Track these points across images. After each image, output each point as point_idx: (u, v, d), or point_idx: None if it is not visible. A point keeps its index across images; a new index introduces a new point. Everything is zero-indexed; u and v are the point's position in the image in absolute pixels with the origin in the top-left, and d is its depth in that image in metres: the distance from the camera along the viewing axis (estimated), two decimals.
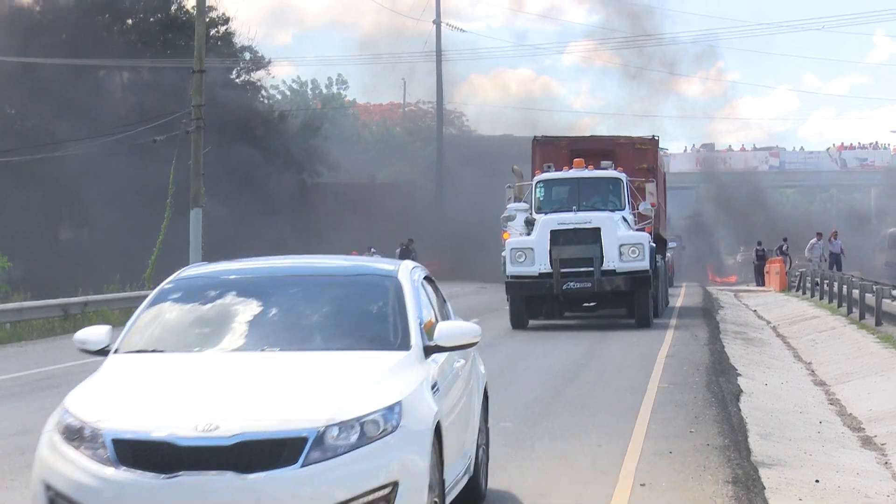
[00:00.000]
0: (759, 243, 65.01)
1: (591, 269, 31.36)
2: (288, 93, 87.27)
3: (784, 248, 61.58)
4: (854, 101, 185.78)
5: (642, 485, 12.00)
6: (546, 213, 33.03)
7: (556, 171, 34.42)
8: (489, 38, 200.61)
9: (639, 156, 37.16)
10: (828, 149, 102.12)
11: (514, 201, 35.15)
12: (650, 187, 34.36)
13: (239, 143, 60.54)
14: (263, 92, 72.01)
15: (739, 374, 22.41)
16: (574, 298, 32.69)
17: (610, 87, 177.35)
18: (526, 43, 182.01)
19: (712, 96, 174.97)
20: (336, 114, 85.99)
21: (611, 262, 31.30)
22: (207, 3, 49.47)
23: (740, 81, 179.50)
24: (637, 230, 32.82)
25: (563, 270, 31.41)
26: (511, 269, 32.00)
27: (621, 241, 31.43)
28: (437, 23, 71.20)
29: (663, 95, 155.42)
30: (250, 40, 69.71)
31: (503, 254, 32.88)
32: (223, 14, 66.84)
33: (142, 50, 61.22)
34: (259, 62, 69.86)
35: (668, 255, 48.79)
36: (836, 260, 56.48)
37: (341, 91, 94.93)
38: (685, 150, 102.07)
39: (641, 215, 33.84)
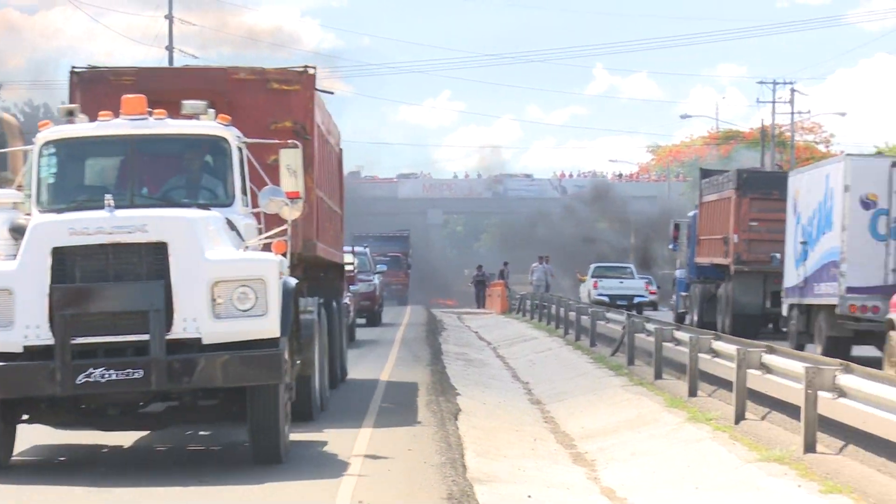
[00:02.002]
0: (480, 267, 66.22)
1: (143, 336, 13.79)
2: (21, 116, 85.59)
3: (505, 272, 62.72)
4: (573, 131, 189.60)
5: (360, 502, 12.02)
6: (56, 211, 15.17)
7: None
8: (220, 64, 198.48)
9: (276, 104, 20.78)
10: (549, 177, 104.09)
11: None
12: (290, 158, 16.35)
13: None
14: None
15: (459, 394, 22.59)
16: (106, 404, 14.60)
17: (336, 112, 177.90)
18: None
19: (440, 125, 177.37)
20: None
21: (187, 321, 13.93)
22: None
23: (466, 111, 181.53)
24: (254, 248, 15.91)
25: (80, 342, 13.70)
26: None
27: (214, 273, 14.18)
28: (170, 48, 70.94)
29: (390, 123, 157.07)
30: None
31: None
32: None
33: None
34: None
35: (373, 282, 45.85)
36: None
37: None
38: (420, 174, 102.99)
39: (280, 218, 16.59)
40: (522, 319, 49.44)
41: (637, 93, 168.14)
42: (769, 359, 17.10)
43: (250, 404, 14.06)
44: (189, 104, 15.75)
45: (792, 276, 31.02)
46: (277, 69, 21.03)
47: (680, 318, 41.16)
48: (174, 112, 15.72)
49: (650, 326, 25.48)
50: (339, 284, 25.15)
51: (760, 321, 35.59)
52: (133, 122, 15.37)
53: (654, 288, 58.37)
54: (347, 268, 29.46)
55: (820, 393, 14.23)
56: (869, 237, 26.76)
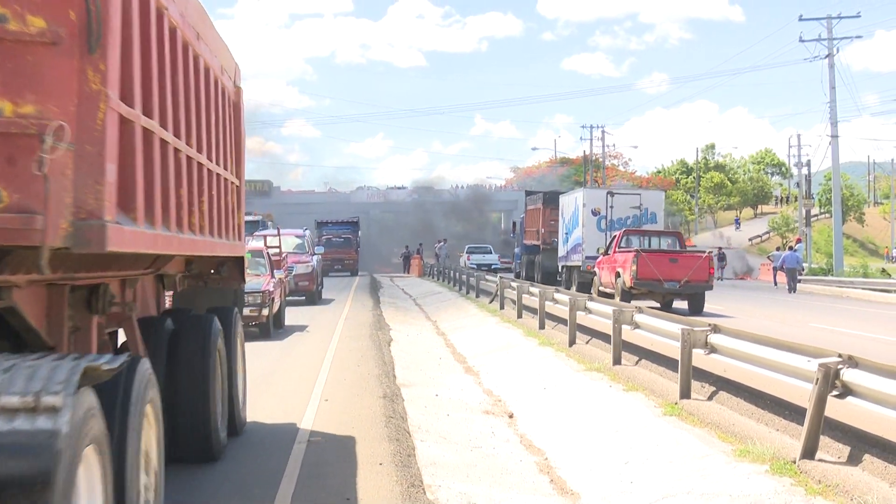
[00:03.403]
0: (406, 247, 66.23)
1: None
2: None
3: (419, 249, 63.04)
4: (463, 158, 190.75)
5: (326, 400, 11.92)
6: None
7: None
8: None
9: None
10: (448, 188, 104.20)
11: None
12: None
13: None
14: None
15: (391, 329, 22.54)
16: None
17: (310, 150, 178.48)
18: (259, 120, 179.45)
19: (377, 155, 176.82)
20: None
21: None
22: None
23: (394, 146, 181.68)
24: None
25: None
26: None
27: None
28: None
29: (344, 154, 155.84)
30: None
31: None
32: None
33: None
34: None
35: (311, 263, 31.60)
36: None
37: None
38: (358, 189, 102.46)
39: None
40: (432, 281, 49.42)
41: (503, 133, 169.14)
42: (590, 304, 17.17)
43: None
44: None
45: (562, 252, 36.84)
46: None
47: (517, 276, 44.40)
48: None
49: (514, 284, 25.50)
50: (236, 287, 10.83)
51: (554, 276, 38.35)
52: None
53: (506, 259, 62.40)
54: (272, 251, 23.80)
55: (623, 326, 14.32)
56: (595, 230, 32.93)
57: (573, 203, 35.22)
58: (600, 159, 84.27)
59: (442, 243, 62.73)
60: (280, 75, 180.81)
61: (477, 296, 32.52)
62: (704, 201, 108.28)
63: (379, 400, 11.88)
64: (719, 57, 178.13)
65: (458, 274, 41.18)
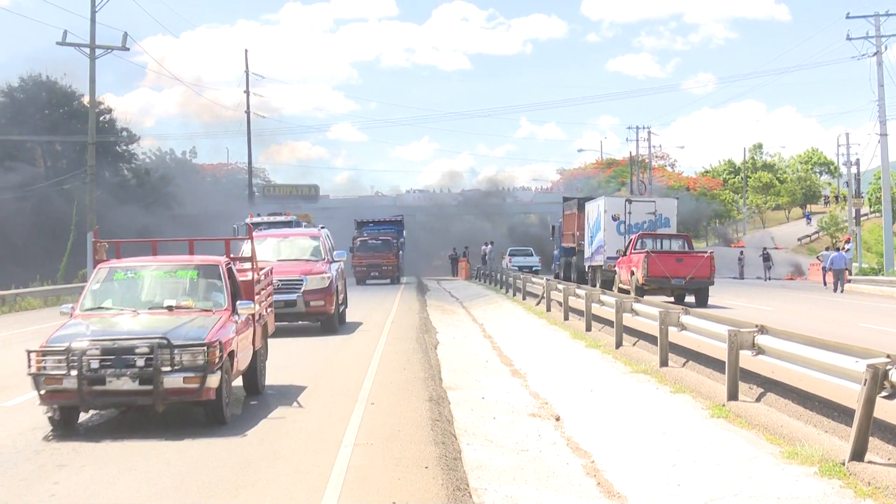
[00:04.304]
0: (454, 249, 65.95)
1: None
2: (154, 158, 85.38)
3: (465, 252, 62.94)
4: (509, 161, 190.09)
5: (372, 403, 11.93)
6: None
7: None
8: (281, 122, 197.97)
9: None
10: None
11: None
12: None
13: (120, 191, 61.34)
14: (136, 157, 71.57)
15: (438, 332, 22.53)
16: None
17: (359, 153, 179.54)
18: (305, 125, 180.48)
19: (423, 158, 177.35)
20: (184, 170, 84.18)
21: None
22: (97, 100, 50.12)
23: (439, 149, 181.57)
24: None
25: None
26: None
27: None
28: (248, 112, 71.22)
29: (390, 158, 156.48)
30: (127, 123, 69.33)
31: None
32: (108, 106, 66.38)
33: (52, 130, 60.52)
34: (132, 138, 69.40)
35: (328, 274, 21.47)
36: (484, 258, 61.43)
37: (191, 158, 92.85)
38: (405, 192, 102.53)
39: None
40: (479, 283, 49.39)
41: (549, 135, 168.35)
42: (637, 306, 17.05)
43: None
44: None
45: (587, 253, 39.87)
46: None
47: (557, 276, 45.20)
48: None
49: (560, 286, 25.42)
50: None
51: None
52: None
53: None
54: (244, 268, 13.52)
55: (670, 328, 14.21)
56: (616, 234, 35.95)
57: (596, 209, 38.61)
58: (647, 160, 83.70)
59: (489, 246, 62.71)
60: (326, 80, 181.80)
61: (524, 298, 32.45)
62: (752, 201, 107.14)
63: (425, 403, 11.87)
64: (766, 56, 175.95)
65: (504, 276, 41.20)
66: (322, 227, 24.70)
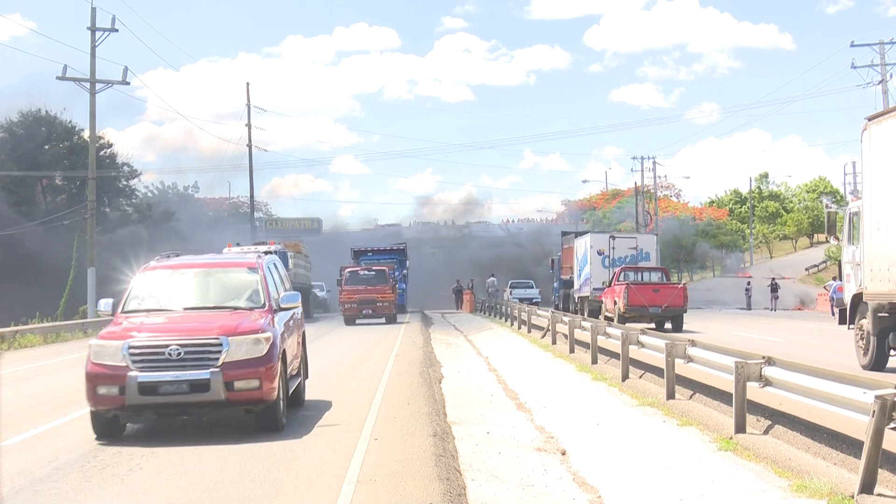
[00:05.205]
0: (458, 281, 65.79)
1: None
2: (156, 192, 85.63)
3: (471, 285, 62.81)
4: (513, 193, 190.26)
5: (375, 439, 11.89)
6: None
7: None
8: (283, 155, 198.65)
9: None
10: (499, 223, 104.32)
11: None
12: None
13: (121, 226, 61.97)
14: (137, 192, 72.01)
15: (442, 366, 22.49)
16: None
17: (361, 185, 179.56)
18: (307, 157, 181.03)
19: (426, 191, 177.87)
20: (187, 205, 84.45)
21: None
22: (97, 134, 50.30)
23: (442, 181, 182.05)
24: None
25: None
26: None
27: None
28: (250, 145, 71.42)
29: (393, 190, 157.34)
30: (128, 159, 69.75)
31: None
32: (108, 141, 66.75)
33: (52, 165, 60.92)
34: (134, 173, 70.15)
35: (266, 333, 12.17)
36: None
37: (193, 192, 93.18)
38: (409, 224, 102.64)
39: None
40: (484, 316, 49.36)
41: (553, 166, 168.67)
42: (643, 338, 17.03)
43: None
44: None
45: (576, 285, 44.20)
46: None
47: (556, 308, 47.56)
48: None
49: (565, 318, 25.40)
50: None
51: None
52: None
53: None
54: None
55: (676, 360, 14.18)
56: (601, 267, 40.11)
57: (584, 245, 42.70)
58: (652, 190, 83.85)
59: (493, 278, 62.62)
60: (328, 112, 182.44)
61: (529, 330, 32.43)
62: (759, 231, 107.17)
63: (429, 439, 11.83)
64: (771, 85, 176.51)
65: (508, 308, 41.23)
66: (269, 252, 16.93)
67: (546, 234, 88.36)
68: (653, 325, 30.82)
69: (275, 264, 14.78)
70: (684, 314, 32.06)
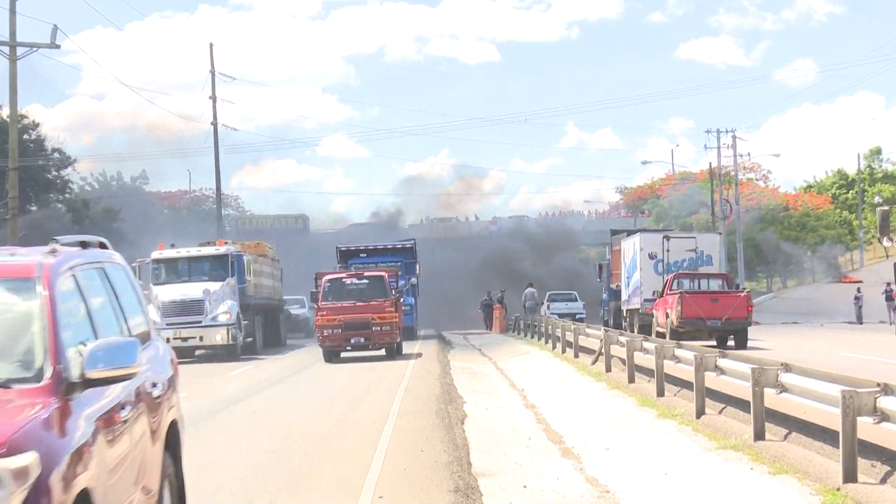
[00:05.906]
0: (489, 293, 65.18)
1: None
2: (96, 185, 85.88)
3: (501, 297, 62.67)
4: (551, 179, 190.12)
5: (380, 497, 11.89)
6: None
7: None
8: (258, 135, 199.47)
9: None
10: (535, 217, 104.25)
11: None
12: None
13: (51, 227, 62.31)
14: (72, 185, 72.16)
15: (465, 402, 22.52)
16: None
17: (356, 172, 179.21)
18: (289, 138, 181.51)
19: (441, 177, 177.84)
20: (135, 200, 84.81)
21: None
22: (20, 112, 49.49)
23: (463, 164, 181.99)
24: None
25: None
26: None
27: None
28: (215, 123, 71.11)
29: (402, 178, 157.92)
30: (59, 143, 69.86)
31: None
32: (33, 121, 66.95)
33: None
34: (66, 161, 70.11)
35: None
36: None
37: (142, 184, 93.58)
38: (421, 222, 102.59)
39: None
40: (518, 337, 49.42)
41: (603, 144, 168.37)
42: (722, 362, 16.96)
43: None
44: None
45: (625, 295, 45.31)
46: None
47: (606, 324, 47.31)
48: None
49: (622, 339, 25.39)
50: None
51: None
52: None
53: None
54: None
55: (766, 389, 14.13)
56: (653, 274, 41.13)
57: (632, 247, 43.93)
58: (732, 173, 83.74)
59: (532, 289, 61.97)
60: (314, 80, 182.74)
61: (576, 355, 32.41)
62: (871, 222, 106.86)
63: (449, 495, 11.84)
64: (882, 36, 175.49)
65: (549, 328, 41.15)
66: (103, 246, 9.29)
67: (594, 231, 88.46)
68: (713, 343, 31.98)
69: (105, 276, 8.53)
70: (748, 327, 33.49)
